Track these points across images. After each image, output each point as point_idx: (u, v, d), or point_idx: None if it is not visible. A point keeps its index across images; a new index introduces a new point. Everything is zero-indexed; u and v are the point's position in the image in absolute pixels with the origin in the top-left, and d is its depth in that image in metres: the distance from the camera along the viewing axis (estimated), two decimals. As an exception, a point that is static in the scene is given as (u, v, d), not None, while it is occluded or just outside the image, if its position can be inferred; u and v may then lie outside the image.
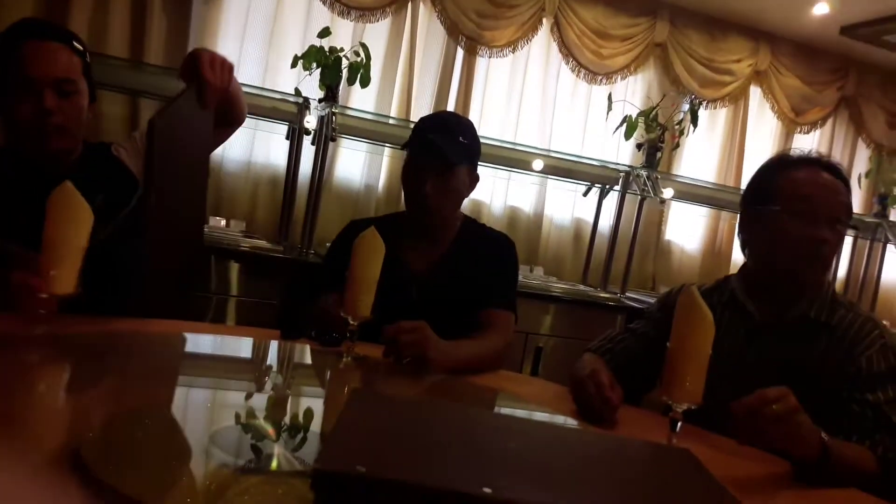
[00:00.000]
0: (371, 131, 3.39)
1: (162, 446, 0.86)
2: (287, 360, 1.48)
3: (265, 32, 3.47)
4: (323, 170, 3.26)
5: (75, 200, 1.19)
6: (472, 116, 3.72)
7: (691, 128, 3.86)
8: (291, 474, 0.81)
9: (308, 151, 3.25)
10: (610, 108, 3.77)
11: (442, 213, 1.67)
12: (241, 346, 1.51)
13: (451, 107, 3.77)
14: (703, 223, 4.37)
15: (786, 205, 1.37)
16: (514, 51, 3.85)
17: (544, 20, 3.88)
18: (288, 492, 0.76)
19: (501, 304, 1.65)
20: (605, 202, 3.91)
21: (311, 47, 3.16)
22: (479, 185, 1.76)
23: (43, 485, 0.68)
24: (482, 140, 1.75)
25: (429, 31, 3.76)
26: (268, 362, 1.49)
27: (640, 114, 3.79)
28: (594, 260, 3.92)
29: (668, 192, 3.68)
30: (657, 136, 3.76)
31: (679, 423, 1.09)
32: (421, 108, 3.69)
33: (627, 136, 3.76)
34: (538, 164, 3.58)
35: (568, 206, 4.06)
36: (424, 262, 1.67)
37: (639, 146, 3.84)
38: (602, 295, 3.60)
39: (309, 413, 1.17)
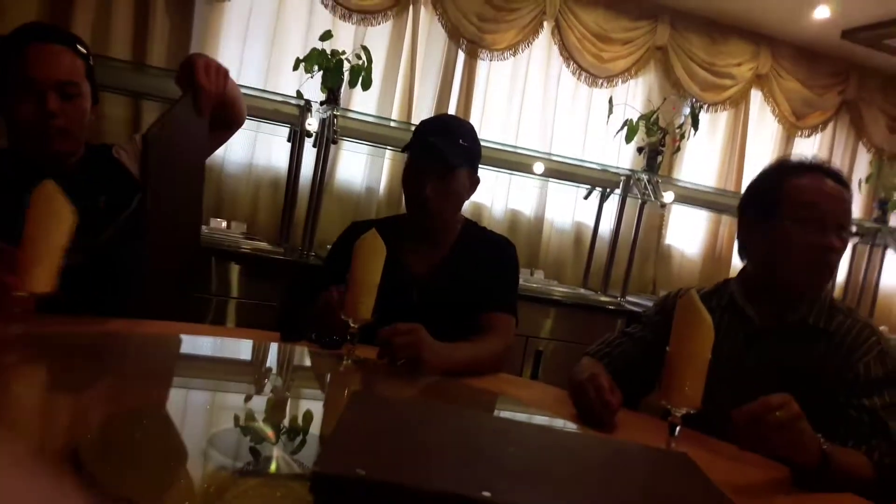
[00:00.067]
0: (372, 134, 3.39)
1: (160, 448, 0.86)
2: (287, 362, 1.48)
3: (267, 35, 3.48)
4: (324, 172, 3.27)
5: (57, 199, 1.17)
6: (473, 119, 3.72)
7: (692, 131, 3.87)
8: (290, 477, 0.82)
9: (309, 154, 3.26)
10: (611, 112, 3.77)
11: (442, 216, 1.67)
12: (241, 348, 1.51)
13: (452, 110, 3.77)
14: (704, 227, 4.37)
15: (793, 212, 1.37)
16: (514, 54, 3.86)
17: (545, 23, 3.89)
18: (287, 494, 0.76)
19: (502, 307, 1.65)
20: (605, 206, 3.91)
21: (313, 50, 3.17)
22: (479, 187, 1.76)
23: (41, 486, 0.69)
24: (483, 143, 1.76)
25: (430, 34, 3.77)
26: (267, 364, 1.49)
27: (641, 117, 3.79)
28: (595, 263, 3.92)
29: (668, 196, 3.69)
30: (658, 140, 3.77)
31: (678, 428, 1.09)
32: (422, 110, 3.70)
33: (628, 139, 3.76)
34: (539, 168, 3.58)
35: (569, 210, 4.06)
36: (425, 264, 1.68)
37: (639, 150, 3.85)
38: (602, 299, 3.60)
39: (308, 416, 1.17)
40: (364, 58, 3.21)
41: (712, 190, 4.10)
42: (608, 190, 3.85)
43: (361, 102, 3.53)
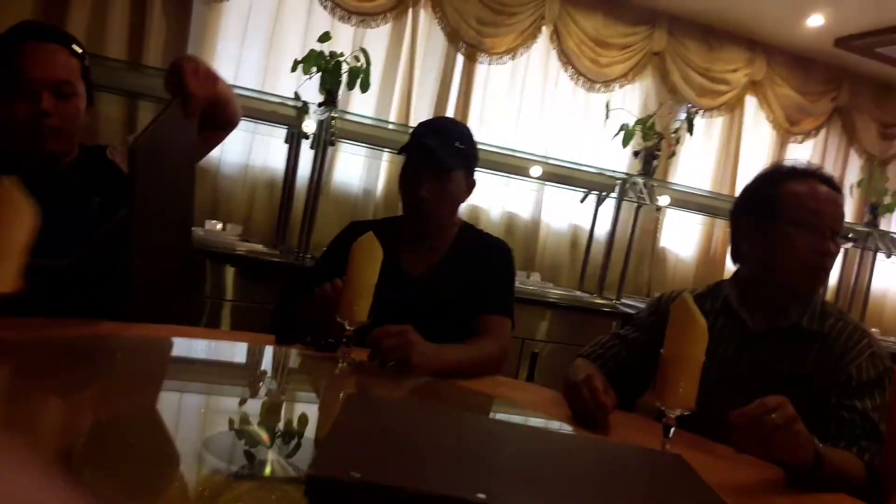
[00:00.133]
0: (370, 136, 3.39)
1: (155, 452, 0.86)
2: (282, 365, 1.48)
3: (265, 36, 3.47)
4: (321, 174, 3.27)
5: (15, 197, 1.16)
6: (471, 122, 3.73)
7: (687, 136, 3.89)
8: (285, 480, 0.82)
9: (307, 155, 3.25)
10: (607, 116, 3.78)
11: (438, 218, 1.67)
12: (236, 351, 1.51)
13: (450, 112, 3.77)
14: (699, 230, 4.39)
15: (792, 217, 1.39)
16: (513, 58, 3.87)
17: (544, 28, 3.90)
18: (281, 498, 0.76)
19: (497, 309, 1.65)
20: (601, 209, 3.92)
21: (312, 51, 3.16)
22: (477, 190, 1.76)
23: (35, 490, 0.68)
24: (480, 146, 1.76)
25: (429, 37, 3.77)
26: (262, 368, 1.49)
27: (638, 122, 3.80)
28: (590, 266, 3.93)
29: (663, 200, 3.70)
30: (654, 144, 3.78)
31: (672, 429, 1.10)
32: (420, 113, 3.70)
33: (624, 143, 3.78)
34: (536, 171, 3.59)
35: (565, 213, 4.07)
36: (422, 266, 1.68)
37: (635, 154, 3.86)
38: (598, 301, 3.61)
39: (303, 419, 1.17)
40: (363, 60, 3.21)
41: (707, 194, 4.12)
42: (604, 193, 3.86)
43: (359, 104, 3.53)
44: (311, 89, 3.22)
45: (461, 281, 1.65)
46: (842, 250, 4.36)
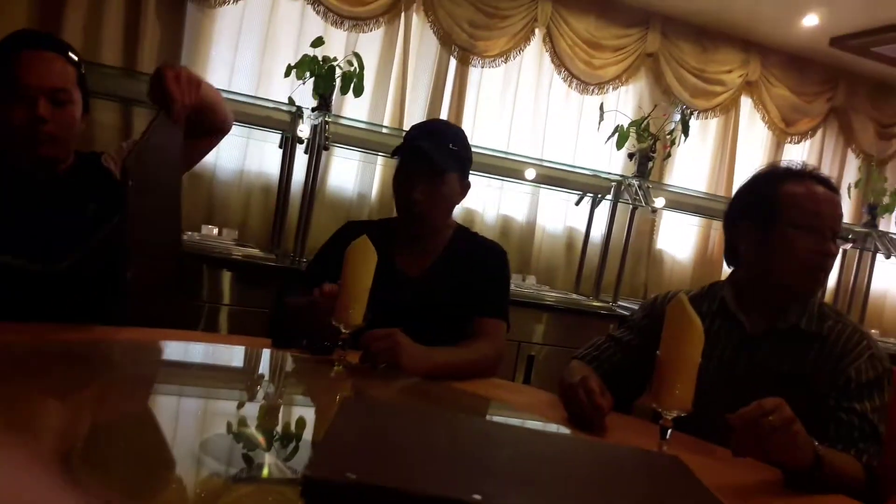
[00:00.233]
0: (364, 140, 3.39)
1: (153, 455, 0.86)
2: (279, 368, 1.48)
3: (259, 41, 3.48)
4: (316, 178, 3.27)
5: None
6: (465, 126, 3.73)
7: (682, 137, 3.89)
8: (282, 482, 0.81)
9: (301, 160, 3.25)
10: (602, 118, 3.79)
11: (431, 220, 1.67)
12: (233, 355, 1.51)
13: (443, 116, 3.77)
14: (695, 232, 4.39)
15: (792, 219, 1.39)
16: (506, 61, 3.87)
17: (536, 30, 3.90)
18: (279, 500, 0.76)
19: (493, 312, 1.65)
20: (597, 211, 3.93)
21: (305, 56, 3.17)
22: (471, 194, 1.76)
23: (32, 493, 0.68)
24: (475, 149, 1.76)
25: (422, 40, 3.78)
26: (259, 371, 1.49)
27: (632, 123, 3.81)
28: (586, 269, 3.93)
29: (659, 202, 3.70)
30: (648, 146, 3.79)
31: (669, 431, 1.10)
32: (413, 117, 3.70)
33: (619, 145, 3.78)
34: (531, 174, 3.59)
35: (560, 215, 4.08)
36: (417, 267, 1.68)
37: (630, 156, 3.86)
38: (594, 303, 3.61)
39: (300, 422, 1.17)
40: (356, 64, 3.21)
41: (703, 195, 4.12)
42: (599, 196, 3.86)
43: (353, 109, 3.53)
44: (304, 94, 3.22)
45: (456, 283, 1.65)
46: (840, 251, 4.41)
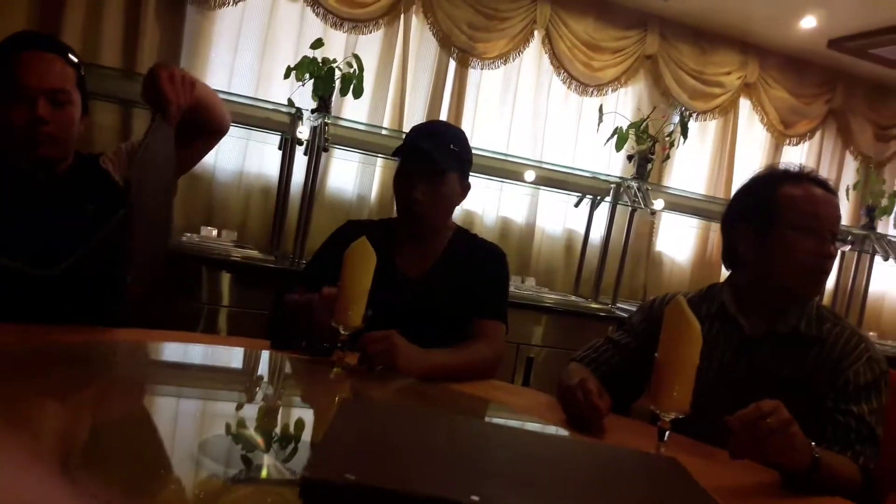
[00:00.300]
0: (363, 142, 3.40)
1: (151, 457, 0.86)
2: (278, 370, 1.48)
3: (258, 43, 3.48)
4: (315, 180, 3.27)
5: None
6: (465, 127, 3.72)
7: (681, 139, 3.89)
8: (281, 483, 0.82)
9: (300, 161, 3.25)
10: (601, 120, 3.79)
11: (431, 220, 1.68)
12: (232, 356, 1.51)
13: (443, 118, 3.77)
14: (694, 234, 4.39)
15: (792, 221, 1.40)
16: (505, 63, 3.87)
17: (536, 32, 3.91)
18: (277, 501, 0.76)
19: (492, 314, 1.66)
20: (596, 213, 3.93)
21: (304, 58, 3.17)
22: (471, 195, 1.76)
23: (30, 494, 0.68)
24: (474, 151, 1.76)
25: (421, 42, 3.78)
26: (258, 372, 1.49)
27: (631, 125, 3.81)
28: (585, 270, 3.93)
29: (658, 204, 3.70)
30: (647, 148, 3.79)
31: (667, 433, 1.10)
32: (413, 118, 3.70)
33: (618, 147, 3.78)
34: (530, 175, 3.59)
35: (559, 217, 4.08)
36: (417, 268, 1.68)
37: (629, 157, 3.87)
38: (593, 305, 3.61)
39: (299, 423, 1.17)
40: (355, 66, 3.21)
41: (702, 197, 4.13)
42: (598, 197, 3.86)
43: (352, 110, 3.54)
44: (304, 96, 3.22)
45: (455, 285, 1.65)
46: (839, 253, 4.40)
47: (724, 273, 1.58)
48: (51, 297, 1.43)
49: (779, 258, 1.41)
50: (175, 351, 1.46)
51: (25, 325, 1.28)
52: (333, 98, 3.24)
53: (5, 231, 1.43)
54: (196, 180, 3.33)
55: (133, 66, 3.23)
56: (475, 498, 0.65)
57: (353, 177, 3.68)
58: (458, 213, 1.77)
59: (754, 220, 1.46)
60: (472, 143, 1.75)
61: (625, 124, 3.81)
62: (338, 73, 3.19)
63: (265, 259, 3.06)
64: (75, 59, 1.50)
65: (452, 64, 3.82)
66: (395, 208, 1.73)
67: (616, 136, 3.76)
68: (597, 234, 3.94)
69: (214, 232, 3.25)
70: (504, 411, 1.46)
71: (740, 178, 2.12)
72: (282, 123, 3.16)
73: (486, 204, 3.91)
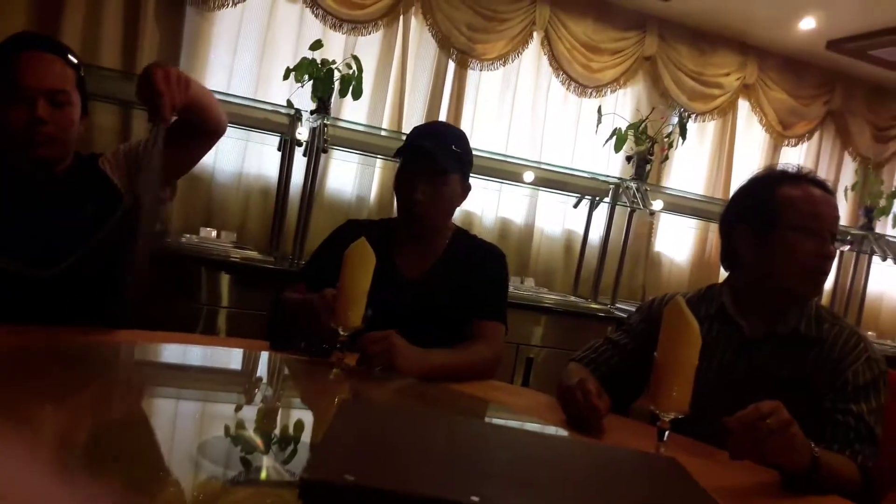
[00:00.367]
0: (363, 143, 3.40)
1: (150, 457, 0.86)
2: (277, 371, 1.48)
3: (258, 44, 3.48)
4: (314, 181, 3.27)
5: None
6: (464, 128, 3.69)
7: (680, 140, 3.90)
8: (281, 485, 0.82)
9: (300, 162, 3.25)
10: (600, 121, 3.79)
11: (432, 220, 1.68)
12: (231, 357, 1.51)
13: (442, 119, 3.77)
14: (693, 234, 4.40)
15: (791, 222, 1.40)
16: (504, 64, 3.88)
17: (535, 34, 3.91)
18: (277, 502, 0.76)
19: (491, 314, 1.66)
20: (595, 214, 3.93)
21: (304, 59, 3.17)
22: (470, 196, 1.77)
23: (30, 495, 0.68)
24: (473, 152, 1.76)
25: (420, 43, 3.78)
26: (258, 374, 1.49)
27: (630, 126, 3.81)
28: (584, 271, 3.94)
29: (657, 204, 3.71)
30: (646, 149, 3.79)
31: (666, 433, 1.10)
32: (412, 120, 3.70)
33: (617, 148, 3.78)
34: (529, 176, 3.59)
35: (558, 218, 4.08)
36: (417, 268, 1.69)
37: (628, 158, 3.87)
38: (592, 306, 3.62)
39: (299, 424, 1.17)
40: (354, 67, 3.22)
41: (701, 198, 4.13)
42: (597, 198, 3.87)
43: (352, 112, 3.53)
44: (303, 97, 3.22)
45: (455, 285, 1.65)
46: (837, 254, 4.41)
47: (724, 273, 1.58)
48: (50, 297, 1.43)
49: (778, 259, 1.41)
50: (174, 352, 1.46)
51: (25, 326, 1.28)
52: (333, 99, 3.24)
53: (4, 232, 1.43)
54: (195, 181, 3.33)
55: (132, 67, 3.22)
56: (475, 498, 0.65)
57: (352, 178, 3.68)
58: (457, 213, 1.77)
59: (753, 221, 1.46)
60: (471, 144, 1.75)
61: (624, 125, 3.82)
62: (337, 75, 3.19)
63: (264, 260, 3.06)
64: (75, 60, 1.50)
65: (451, 65, 3.82)
66: (394, 209, 1.73)
67: (615, 137, 3.76)
68: (596, 234, 3.94)
69: (214, 233, 3.25)
70: (504, 412, 1.46)
71: (739, 179, 2.13)
72: (281, 125, 3.16)
73: (485, 205, 3.91)
